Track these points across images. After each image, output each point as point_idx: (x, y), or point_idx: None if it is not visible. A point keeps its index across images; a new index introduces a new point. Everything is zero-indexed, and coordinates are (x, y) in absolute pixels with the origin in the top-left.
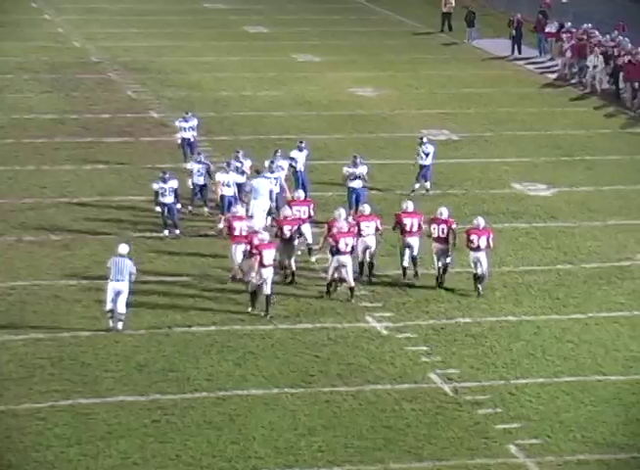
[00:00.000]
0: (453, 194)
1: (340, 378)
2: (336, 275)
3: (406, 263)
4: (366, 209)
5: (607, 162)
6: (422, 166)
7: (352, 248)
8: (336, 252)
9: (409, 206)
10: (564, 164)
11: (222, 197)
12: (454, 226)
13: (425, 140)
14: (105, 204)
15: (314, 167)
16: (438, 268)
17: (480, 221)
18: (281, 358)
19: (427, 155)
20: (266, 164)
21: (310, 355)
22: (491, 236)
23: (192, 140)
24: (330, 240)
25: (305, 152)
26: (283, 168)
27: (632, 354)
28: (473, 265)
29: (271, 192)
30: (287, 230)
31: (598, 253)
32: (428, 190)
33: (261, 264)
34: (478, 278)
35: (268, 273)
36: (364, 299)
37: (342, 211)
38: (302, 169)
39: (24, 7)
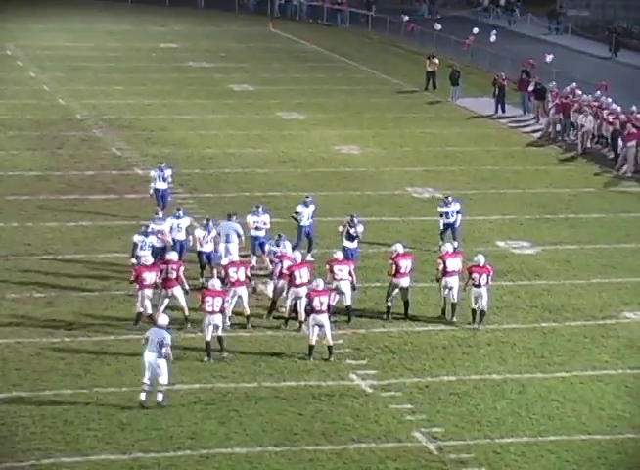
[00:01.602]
0: (437, 252)
1: (324, 436)
2: (316, 338)
3: (390, 303)
4: (339, 254)
5: (590, 220)
6: (447, 226)
7: (329, 306)
8: (310, 310)
9: (398, 248)
10: (547, 223)
11: (199, 253)
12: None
13: (450, 199)
14: (89, 260)
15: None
16: (479, 310)
17: (481, 259)
18: (265, 416)
19: (454, 212)
20: (248, 219)
21: (294, 414)
22: (491, 274)
23: (165, 191)
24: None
25: (312, 206)
26: (266, 224)
27: (617, 413)
28: (474, 301)
29: (238, 234)
30: (232, 273)
31: (582, 311)
32: (455, 248)
33: (208, 312)
34: (480, 313)
35: (217, 320)
36: (348, 356)
37: (298, 254)
38: (308, 225)
39: (9, 64)
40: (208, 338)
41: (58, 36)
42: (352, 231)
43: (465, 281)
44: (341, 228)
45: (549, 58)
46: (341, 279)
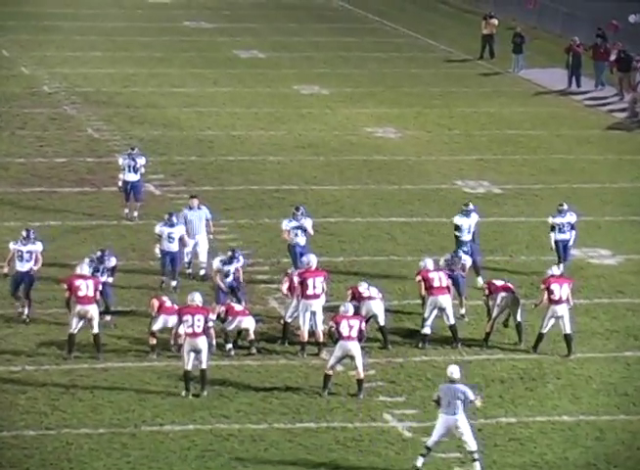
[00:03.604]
0: (494, 261)
1: None
2: (338, 367)
3: (428, 330)
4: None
5: None
6: (561, 242)
7: (360, 333)
8: (338, 337)
9: (428, 264)
10: (633, 226)
11: (218, 286)
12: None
13: (565, 208)
14: (58, 269)
15: (321, 226)
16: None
17: (555, 270)
18: (276, 466)
19: (569, 226)
20: (284, 225)
21: (313, 463)
22: (572, 285)
23: (137, 183)
24: (331, 323)
25: (475, 217)
26: (307, 230)
27: None
28: (548, 322)
29: (207, 220)
30: (235, 304)
31: None
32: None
33: (186, 334)
34: (566, 338)
35: (201, 344)
36: (382, 392)
37: (313, 258)
38: (470, 240)
39: None
40: (188, 367)
41: None
42: (456, 273)
43: (540, 298)
44: (442, 262)
45: (634, 18)
46: (369, 298)
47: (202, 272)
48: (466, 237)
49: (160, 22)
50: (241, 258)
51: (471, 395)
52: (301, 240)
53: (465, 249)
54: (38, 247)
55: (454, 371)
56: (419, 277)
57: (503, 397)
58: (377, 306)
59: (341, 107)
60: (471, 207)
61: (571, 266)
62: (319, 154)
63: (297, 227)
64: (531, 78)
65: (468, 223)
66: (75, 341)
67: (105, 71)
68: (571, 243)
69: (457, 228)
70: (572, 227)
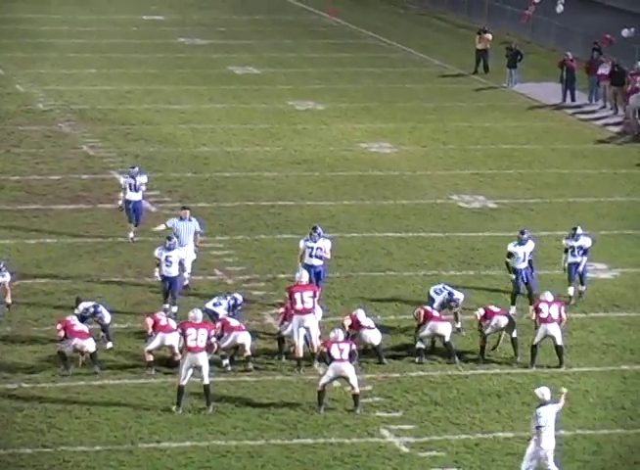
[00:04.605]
0: (490, 276)
1: None
2: (334, 383)
3: (422, 344)
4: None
5: None
6: (572, 265)
7: (351, 354)
8: (330, 360)
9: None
10: (629, 240)
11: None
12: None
13: (579, 231)
14: (54, 286)
15: None
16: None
17: (548, 295)
18: None
19: (581, 250)
20: (301, 245)
21: None
22: (563, 308)
23: (138, 203)
24: (322, 347)
25: (530, 244)
26: (324, 251)
27: None
28: (539, 339)
29: (196, 233)
30: (231, 320)
31: None
32: (581, 293)
33: (187, 349)
34: (557, 349)
35: (202, 360)
36: (378, 407)
37: (304, 273)
38: (525, 268)
39: None
40: (183, 382)
41: (15, 6)
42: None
43: (533, 318)
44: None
45: (627, 32)
46: (368, 327)
47: (185, 282)
48: (520, 265)
49: (155, 38)
50: (239, 298)
51: (558, 407)
52: (316, 261)
53: (518, 276)
54: (6, 278)
55: (545, 392)
56: (418, 309)
57: (500, 411)
58: (374, 336)
59: (336, 122)
60: (526, 235)
61: (566, 280)
62: (314, 169)
63: (313, 247)
64: (525, 93)
65: (523, 251)
66: (67, 357)
67: (100, 89)
68: (580, 268)
69: (510, 255)
70: (585, 252)
